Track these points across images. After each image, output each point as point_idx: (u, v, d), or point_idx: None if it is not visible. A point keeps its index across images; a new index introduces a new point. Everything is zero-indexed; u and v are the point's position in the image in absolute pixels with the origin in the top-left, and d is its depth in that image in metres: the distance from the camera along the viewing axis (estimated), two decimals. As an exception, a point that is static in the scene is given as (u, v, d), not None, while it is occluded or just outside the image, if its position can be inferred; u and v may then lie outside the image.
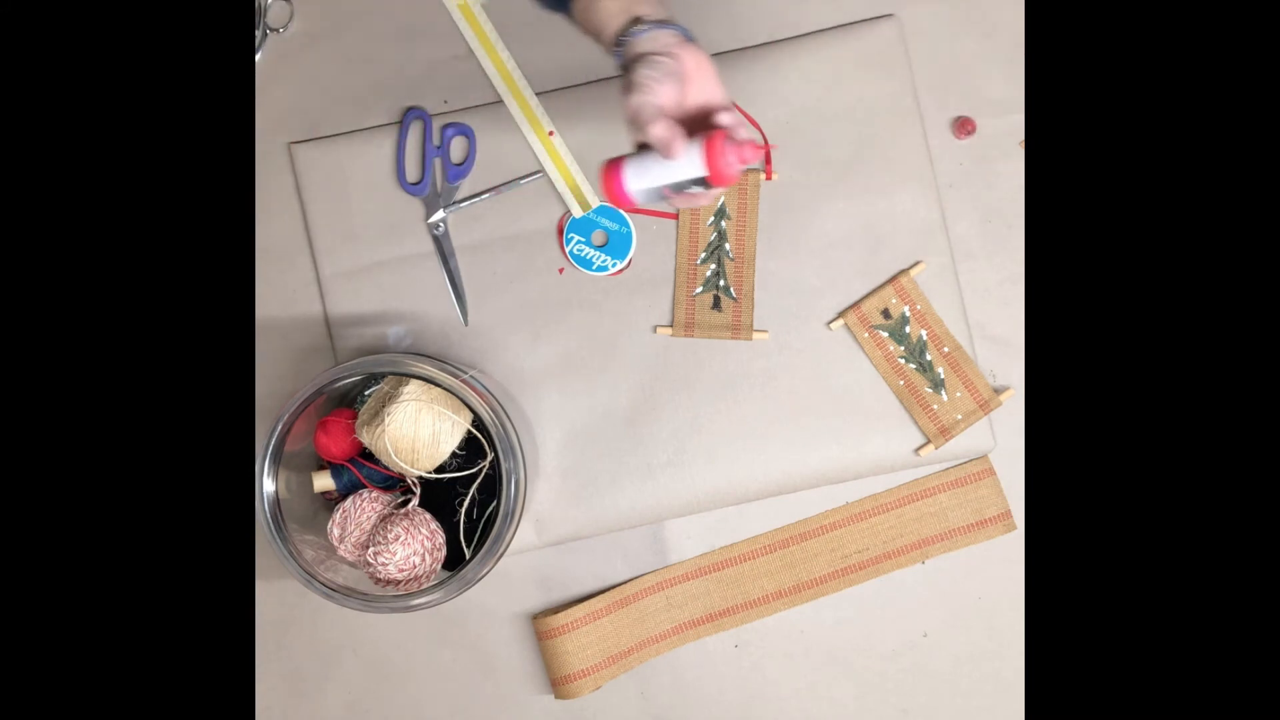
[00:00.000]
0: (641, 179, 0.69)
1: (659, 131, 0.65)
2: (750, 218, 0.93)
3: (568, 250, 0.93)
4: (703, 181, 0.68)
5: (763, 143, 0.66)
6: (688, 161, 0.67)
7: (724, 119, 0.68)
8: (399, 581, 0.83)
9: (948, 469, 0.93)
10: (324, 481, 0.87)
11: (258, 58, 0.95)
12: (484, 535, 0.85)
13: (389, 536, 0.82)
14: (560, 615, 0.90)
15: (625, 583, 0.93)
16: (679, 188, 0.69)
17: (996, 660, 0.92)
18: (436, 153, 0.94)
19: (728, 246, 0.93)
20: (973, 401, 0.91)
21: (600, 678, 0.90)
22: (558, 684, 0.91)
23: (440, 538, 0.84)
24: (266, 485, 0.82)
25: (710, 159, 0.66)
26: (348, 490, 0.87)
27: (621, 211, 0.93)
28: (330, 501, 0.89)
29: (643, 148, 0.70)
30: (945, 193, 0.93)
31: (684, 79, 0.67)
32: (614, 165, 0.70)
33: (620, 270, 0.93)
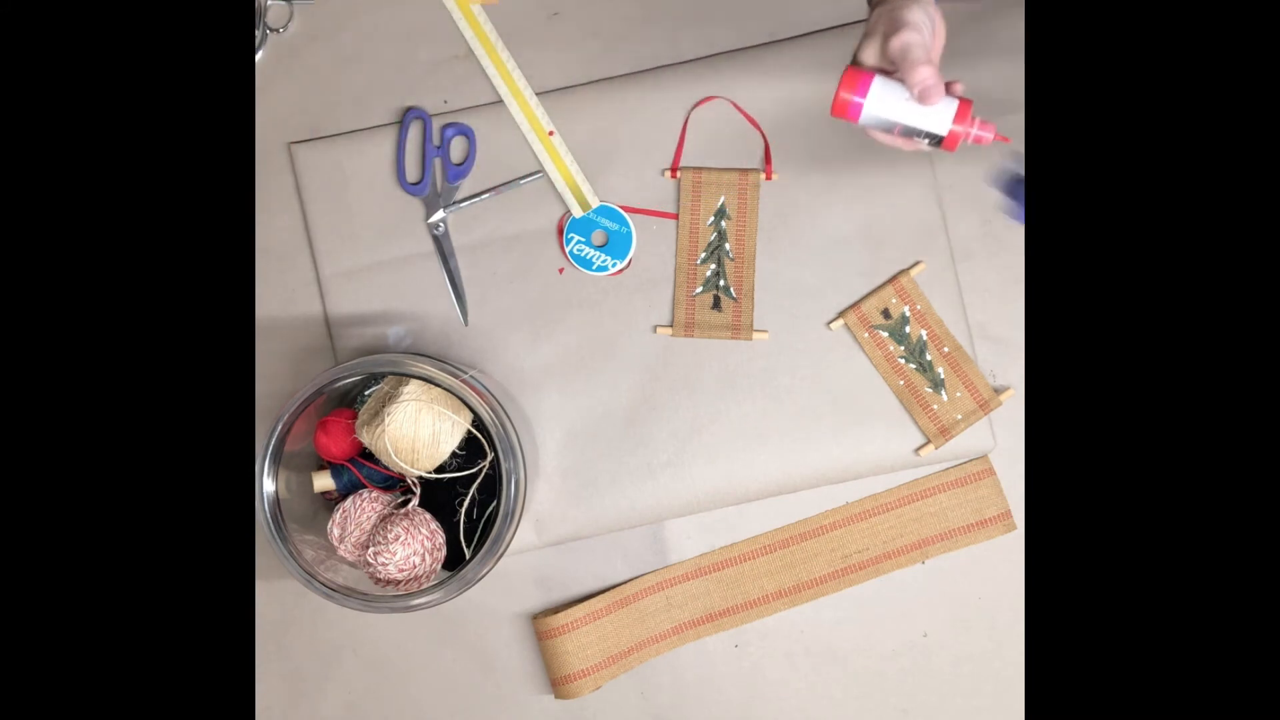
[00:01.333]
0: (882, 105, 0.68)
1: (927, 75, 0.65)
2: (750, 218, 0.93)
3: (568, 250, 0.93)
4: (935, 138, 0.68)
5: (996, 131, 0.68)
6: (935, 113, 0.68)
7: (960, 89, 0.68)
8: (399, 581, 0.83)
9: (948, 469, 0.93)
10: (324, 481, 0.87)
11: (258, 58, 0.95)
12: (484, 535, 0.85)
13: (389, 536, 0.82)
14: (560, 615, 0.90)
15: (625, 583, 0.93)
16: (909, 133, 0.69)
17: (996, 660, 0.92)
18: (436, 153, 0.94)
19: (728, 246, 0.93)
20: (973, 401, 0.91)
21: (600, 678, 0.90)
22: (558, 684, 0.91)
23: (440, 538, 0.84)
24: (266, 485, 0.82)
25: (958, 120, 0.67)
26: (348, 490, 0.87)
27: (622, 211, 0.93)
28: (330, 501, 0.89)
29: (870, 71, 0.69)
30: (945, 193, 0.93)
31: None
32: (863, 77, 0.68)
33: (620, 270, 0.93)
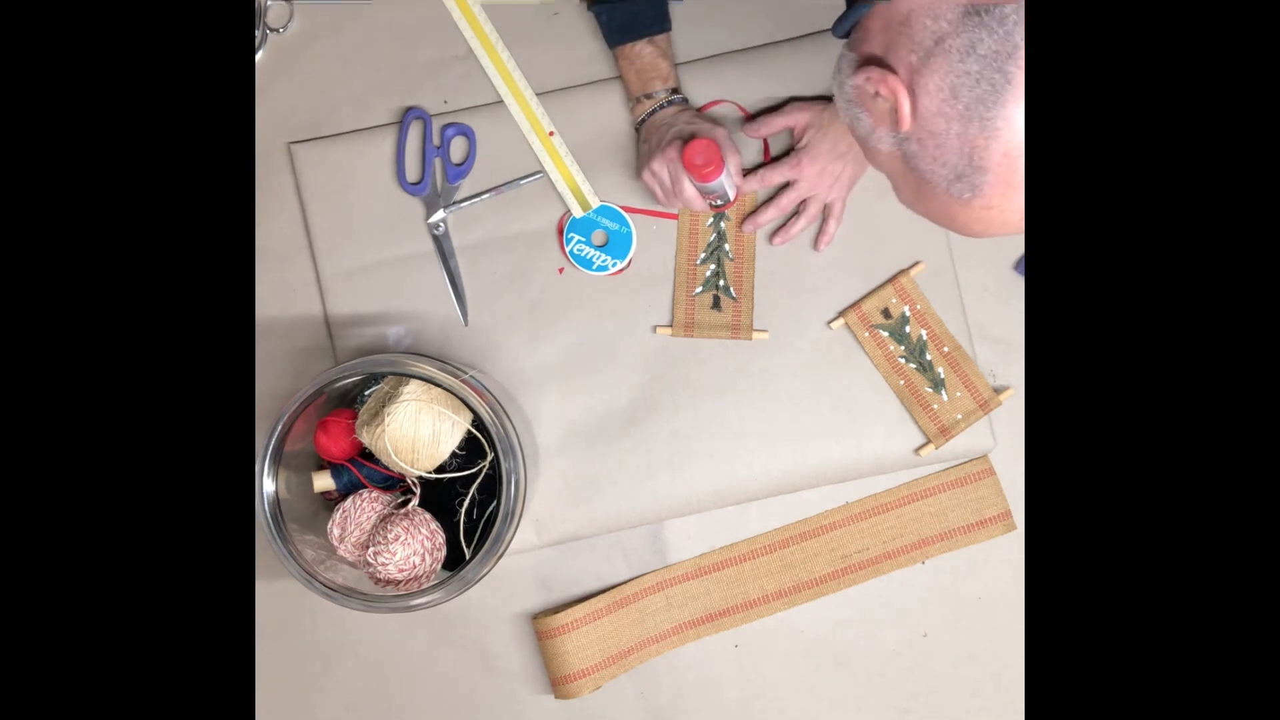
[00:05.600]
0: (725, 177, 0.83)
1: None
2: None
3: (568, 250, 0.93)
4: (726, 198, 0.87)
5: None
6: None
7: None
8: (399, 581, 0.83)
9: (948, 469, 0.93)
10: (324, 481, 0.86)
11: (258, 58, 0.95)
12: (484, 535, 0.85)
13: (389, 536, 0.82)
14: (560, 615, 0.90)
15: (625, 583, 0.93)
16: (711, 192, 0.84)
17: (996, 660, 0.92)
18: (436, 153, 0.94)
19: (728, 246, 0.93)
20: (973, 401, 0.91)
21: (600, 678, 0.90)
22: (558, 684, 0.91)
23: (440, 538, 0.84)
24: (266, 485, 0.82)
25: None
26: (348, 490, 0.87)
27: (622, 211, 0.93)
28: (330, 501, 0.89)
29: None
30: (945, 193, 0.93)
31: None
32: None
33: (620, 270, 0.93)
